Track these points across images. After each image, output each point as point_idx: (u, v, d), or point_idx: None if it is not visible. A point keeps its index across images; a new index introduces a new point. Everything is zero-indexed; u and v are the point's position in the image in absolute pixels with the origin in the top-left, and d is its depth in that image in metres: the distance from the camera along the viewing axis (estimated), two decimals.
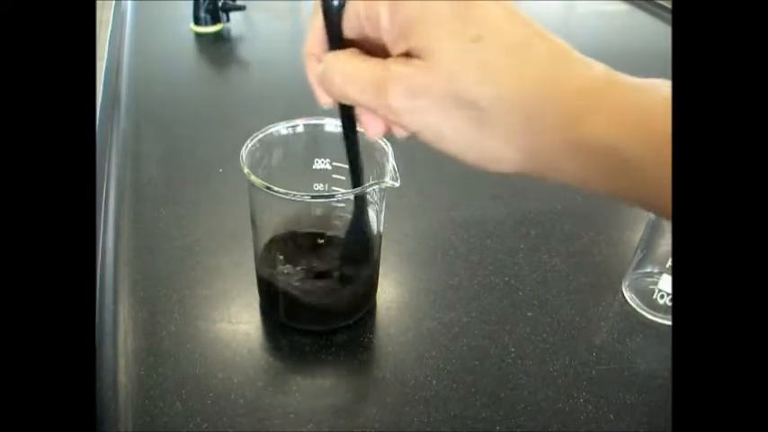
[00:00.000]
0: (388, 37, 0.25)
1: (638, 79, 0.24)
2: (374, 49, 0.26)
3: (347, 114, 0.31)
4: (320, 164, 0.46)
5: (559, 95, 0.24)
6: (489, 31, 0.24)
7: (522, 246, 0.56)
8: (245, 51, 0.95)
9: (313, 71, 0.28)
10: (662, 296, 0.48)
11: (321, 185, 0.47)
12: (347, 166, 0.47)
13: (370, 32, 0.26)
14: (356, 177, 0.36)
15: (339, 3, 0.26)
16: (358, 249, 0.45)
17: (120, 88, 0.80)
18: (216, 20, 0.96)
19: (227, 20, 0.97)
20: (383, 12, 0.24)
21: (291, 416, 0.40)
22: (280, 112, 0.46)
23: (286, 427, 0.40)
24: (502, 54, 0.24)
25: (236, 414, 0.40)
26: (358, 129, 0.31)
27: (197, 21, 0.95)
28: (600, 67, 0.24)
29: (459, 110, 0.24)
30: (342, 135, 0.33)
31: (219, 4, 0.95)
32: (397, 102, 0.25)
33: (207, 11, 0.94)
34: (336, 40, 0.27)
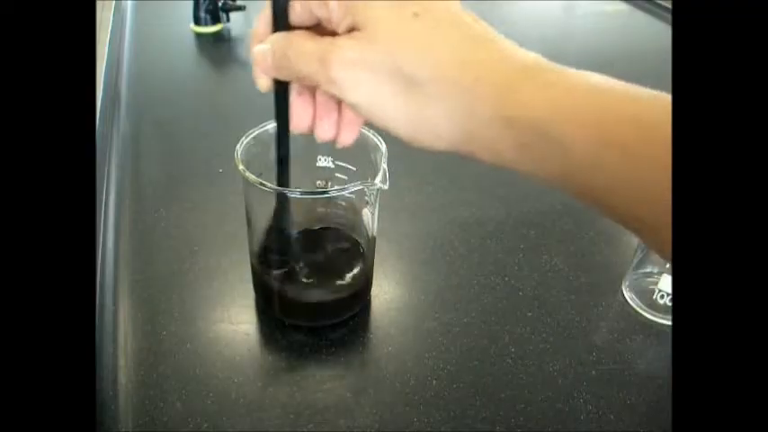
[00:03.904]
0: (335, 17, 0.26)
1: (565, 67, 0.25)
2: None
3: (282, 99, 0.31)
4: (323, 162, 0.46)
5: (494, 71, 0.25)
6: (427, 9, 0.25)
7: (522, 246, 0.56)
8: (245, 51, 0.95)
9: (256, 51, 0.30)
10: (662, 296, 0.48)
11: (323, 183, 0.47)
12: (347, 165, 0.46)
13: (318, 13, 0.27)
14: (283, 171, 0.36)
15: None
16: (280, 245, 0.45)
17: (120, 88, 0.80)
18: (216, 20, 0.96)
19: (227, 20, 0.97)
20: None
21: (291, 416, 0.40)
22: None
23: (286, 427, 0.40)
24: (440, 31, 0.25)
25: (236, 414, 0.40)
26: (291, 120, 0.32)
27: (197, 21, 0.95)
28: (530, 53, 0.26)
29: (397, 83, 0.25)
30: (275, 126, 0.33)
31: (219, 4, 0.95)
32: (337, 72, 0.26)
33: (207, 11, 0.94)
34: (283, 26, 0.29)
